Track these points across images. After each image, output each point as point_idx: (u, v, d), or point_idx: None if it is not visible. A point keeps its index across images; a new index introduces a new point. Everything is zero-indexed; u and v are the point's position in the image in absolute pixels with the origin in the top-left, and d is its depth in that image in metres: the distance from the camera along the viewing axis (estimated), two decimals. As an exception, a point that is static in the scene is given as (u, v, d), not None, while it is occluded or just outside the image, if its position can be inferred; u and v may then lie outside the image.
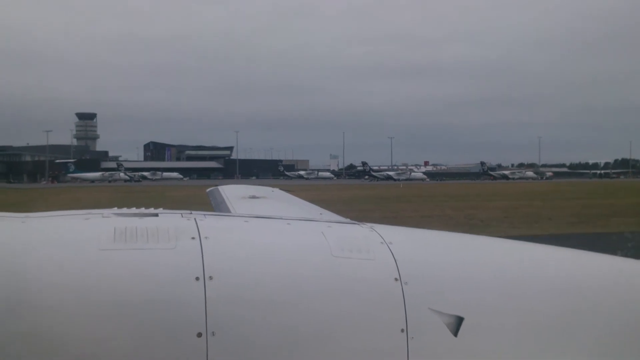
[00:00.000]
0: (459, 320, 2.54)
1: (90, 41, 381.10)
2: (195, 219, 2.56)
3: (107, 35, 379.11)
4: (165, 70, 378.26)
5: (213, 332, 2.20)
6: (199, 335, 2.18)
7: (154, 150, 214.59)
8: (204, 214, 2.73)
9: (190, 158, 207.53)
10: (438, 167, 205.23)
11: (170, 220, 2.53)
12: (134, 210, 2.76)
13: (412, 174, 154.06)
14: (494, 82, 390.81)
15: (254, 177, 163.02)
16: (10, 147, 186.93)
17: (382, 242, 2.70)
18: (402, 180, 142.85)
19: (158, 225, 2.44)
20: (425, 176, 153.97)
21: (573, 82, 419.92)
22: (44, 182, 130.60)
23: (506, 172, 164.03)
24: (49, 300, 2.11)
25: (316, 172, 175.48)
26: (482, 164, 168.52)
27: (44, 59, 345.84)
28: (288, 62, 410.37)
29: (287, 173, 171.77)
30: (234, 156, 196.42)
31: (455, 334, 2.51)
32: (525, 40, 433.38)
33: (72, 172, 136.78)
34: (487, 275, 2.81)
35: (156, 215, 2.65)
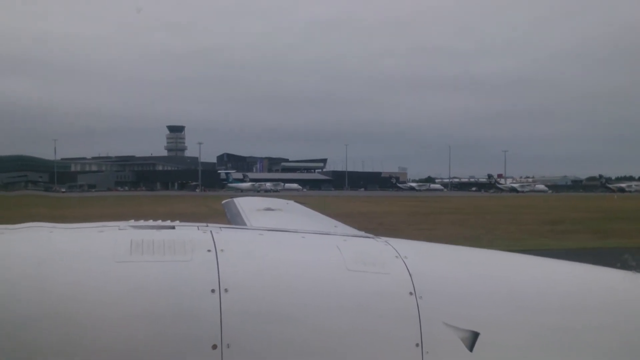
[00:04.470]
0: (474, 335, 2.55)
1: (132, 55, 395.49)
2: (211, 231, 2.62)
3: (148, 49, 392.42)
4: (204, 82, 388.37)
5: (228, 345, 2.22)
6: (214, 347, 2.20)
7: (228, 161, 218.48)
8: (220, 227, 2.79)
9: (285, 170, 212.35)
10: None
11: (187, 233, 2.58)
12: (150, 222, 2.83)
13: (536, 186, 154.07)
14: (527, 95, 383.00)
15: (362, 189, 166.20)
16: (133, 157, 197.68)
17: (397, 256, 2.73)
18: (527, 192, 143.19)
19: (174, 237, 2.48)
20: (547, 188, 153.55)
21: (606, 93, 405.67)
22: (198, 190, 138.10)
23: (622, 185, 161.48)
24: (63, 311, 2.14)
25: (428, 185, 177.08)
26: (600, 176, 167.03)
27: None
28: (320, 73, 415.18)
29: (399, 185, 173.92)
30: (336, 168, 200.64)
31: (471, 349, 2.52)
32: (559, 53, 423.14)
33: (231, 182, 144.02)
34: (502, 290, 2.84)
35: (173, 227, 2.70)
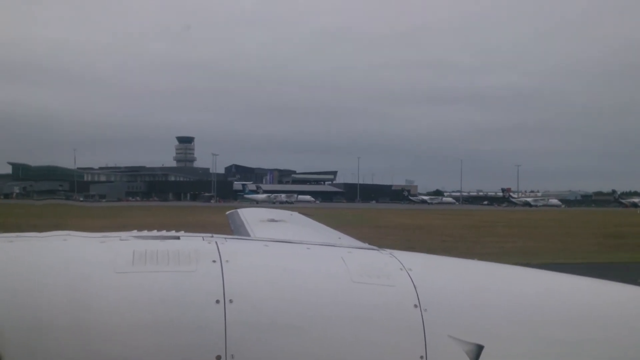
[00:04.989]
0: (479, 348, 2.54)
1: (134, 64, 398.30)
2: (216, 242, 2.63)
3: (152, 58, 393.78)
4: (209, 93, 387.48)
5: (232, 355, 2.21)
6: (218, 358, 2.20)
7: (237, 172, 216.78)
8: (225, 238, 2.80)
9: (296, 181, 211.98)
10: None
11: (192, 243, 2.59)
12: (154, 232, 2.84)
13: (550, 200, 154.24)
14: (530, 109, 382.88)
15: (373, 202, 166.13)
16: (143, 168, 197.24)
17: (401, 269, 2.73)
18: (540, 206, 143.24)
19: (179, 248, 2.48)
20: (560, 203, 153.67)
21: (607, 109, 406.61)
22: (213, 201, 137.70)
23: (635, 200, 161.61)
24: (60, 320, 2.13)
25: (440, 198, 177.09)
26: (614, 191, 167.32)
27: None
28: (325, 84, 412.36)
29: (411, 198, 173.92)
30: (345, 180, 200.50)
31: None
32: (561, 69, 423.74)
33: (247, 194, 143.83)
34: (506, 303, 2.83)
35: (177, 238, 2.71)
